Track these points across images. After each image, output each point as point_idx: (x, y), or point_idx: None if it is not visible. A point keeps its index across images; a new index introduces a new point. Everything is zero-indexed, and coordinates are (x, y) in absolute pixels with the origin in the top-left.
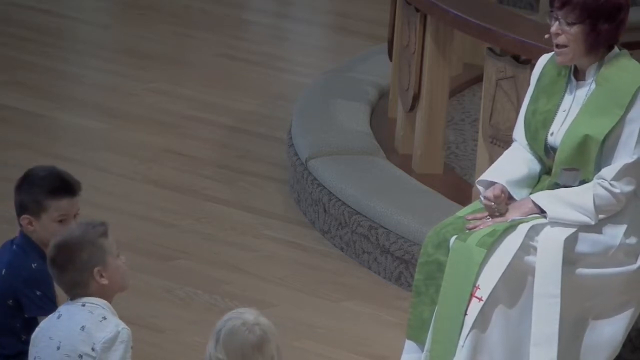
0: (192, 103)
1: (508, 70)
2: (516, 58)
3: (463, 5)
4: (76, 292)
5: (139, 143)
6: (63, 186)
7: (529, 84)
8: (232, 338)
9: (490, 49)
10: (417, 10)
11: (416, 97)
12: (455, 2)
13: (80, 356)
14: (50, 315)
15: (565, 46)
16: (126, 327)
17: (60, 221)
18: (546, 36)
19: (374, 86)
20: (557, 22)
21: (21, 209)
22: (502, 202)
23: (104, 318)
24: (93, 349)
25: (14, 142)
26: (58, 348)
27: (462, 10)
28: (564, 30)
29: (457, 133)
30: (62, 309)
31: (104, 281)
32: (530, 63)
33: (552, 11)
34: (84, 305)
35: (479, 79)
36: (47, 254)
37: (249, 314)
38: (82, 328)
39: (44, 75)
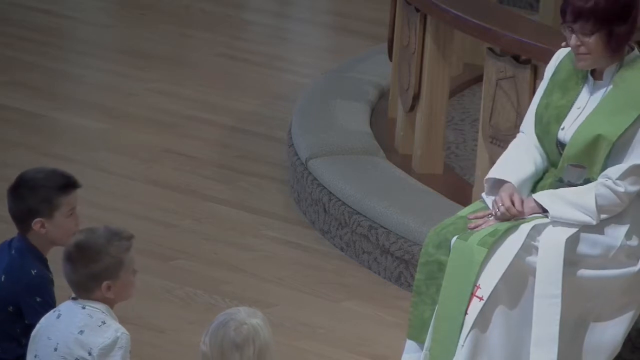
0: (192, 103)
1: (508, 70)
2: (516, 58)
3: (463, 5)
4: (80, 292)
5: (139, 143)
6: (68, 181)
7: (529, 84)
8: (217, 332)
9: (490, 49)
10: (417, 10)
11: (416, 97)
12: (455, 2)
13: (77, 359)
14: (50, 313)
15: (587, 54)
16: (126, 332)
17: (70, 215)
18: (563, 44)
19: (374, 86)
20: (573, 35)
21: (30, 214)
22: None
23: (103, 322)
24: (90, 354)
25: (14, 142)
26: (55, 349)
27: (462, 10)
28: (583, 42)
29: (457, 133)
30: (63, 307)
31: (110, 295)
32: (530, 63)
33: (564, 23)
34: (84, 308)
35: (479, 79)
36: (65, 248)
37: (243, 313)
38: (80, 332)
39: (44, 75)
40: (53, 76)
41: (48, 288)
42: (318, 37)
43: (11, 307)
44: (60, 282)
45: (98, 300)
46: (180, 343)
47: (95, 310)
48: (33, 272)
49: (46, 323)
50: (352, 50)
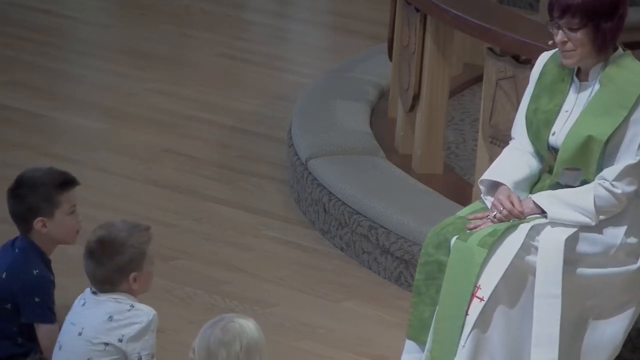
0: (192, 103)
1: (508, 70)
2: (516, 58)
3: (463, 5)
4: (104, 288)
5: (139, 143)
6: (66, 178)
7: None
8: (205, 334)
9: (490, 49)
10: (417, 10)
11: (416, 97)
12: (455, 2)
13: (106, 344)
14: (75, 301)
15: (573, 50)
16: (155, 312)
17: (71, 213)
18: (550, 42)
19: (374, 86)
20: (560, 31)
21: (32, 213)
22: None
23: (132, 306)
24: (120, 340)
25: (14, 142)
26: (80, 334)
27: (462, 10)
28: (569, 38)
29: (457, 133)
30: (87, 297)
31: (135, 286)
32: (530, 63)
33: (552, 20)
34: (108, 300)
35: (479, 79)
36: (87, 245)
37: (231, 315)
38: (110, 318)
39: (44, 75)
40: (53, 76)
41: (48, 289)
42: (318, 37)
43: (9, 305)
44: (61, 282)
45: (122, 293)
46: (180, 343)
47: (120, 297)
48: (35, 272)
49: (69, 311)
50: (352, 50)
